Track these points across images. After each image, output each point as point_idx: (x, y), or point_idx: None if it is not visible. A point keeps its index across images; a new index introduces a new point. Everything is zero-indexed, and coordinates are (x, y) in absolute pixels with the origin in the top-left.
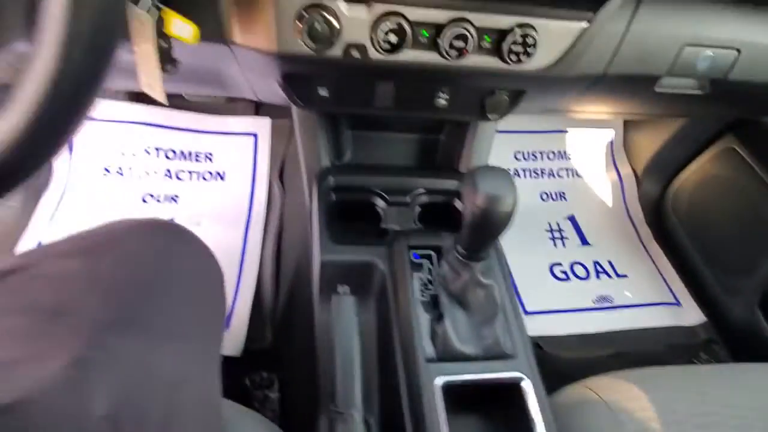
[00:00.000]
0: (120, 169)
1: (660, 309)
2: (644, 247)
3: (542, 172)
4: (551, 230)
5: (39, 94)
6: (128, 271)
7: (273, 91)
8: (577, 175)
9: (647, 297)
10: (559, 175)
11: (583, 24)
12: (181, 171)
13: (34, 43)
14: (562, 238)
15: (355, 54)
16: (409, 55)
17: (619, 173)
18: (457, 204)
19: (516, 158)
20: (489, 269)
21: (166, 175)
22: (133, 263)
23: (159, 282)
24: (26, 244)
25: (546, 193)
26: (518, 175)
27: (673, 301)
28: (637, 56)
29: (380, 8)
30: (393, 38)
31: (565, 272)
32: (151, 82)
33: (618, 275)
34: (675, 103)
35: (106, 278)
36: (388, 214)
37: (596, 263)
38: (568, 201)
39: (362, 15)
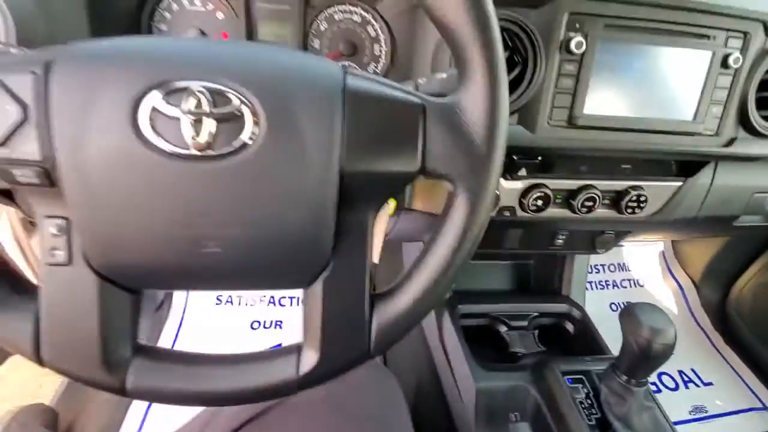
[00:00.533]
0: (230, 298)
1: (751, 415)
2: (719, 352)
3: (607, 284)
4: None
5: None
6: (359, 398)
7: (410, 237)
8: (639, 285)
9: (736, 404)
10: (622, 286)
11: (679, 183)
12: (282, 297)
13: (437, 235)
14: None
15: (506, 214)
16: (548, 213)
17: (678, 282)
18: (567, 325)
19: (586, 271)
20: (647, 392)
21: (270, 302)
22: (357, 390)
23: (377, 405)
24: None
25: (615, 304)
26: (586, 288)
27: (760, 405)
28: (720, 203)
29: (529, 182)
30: (539, 202)
31: (654, 383)
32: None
33: (704, 383)
34: (746, 230)
35: (347, 405)
36: (513, 338)
37: (681, 372)
38: None
39: (516, 186)
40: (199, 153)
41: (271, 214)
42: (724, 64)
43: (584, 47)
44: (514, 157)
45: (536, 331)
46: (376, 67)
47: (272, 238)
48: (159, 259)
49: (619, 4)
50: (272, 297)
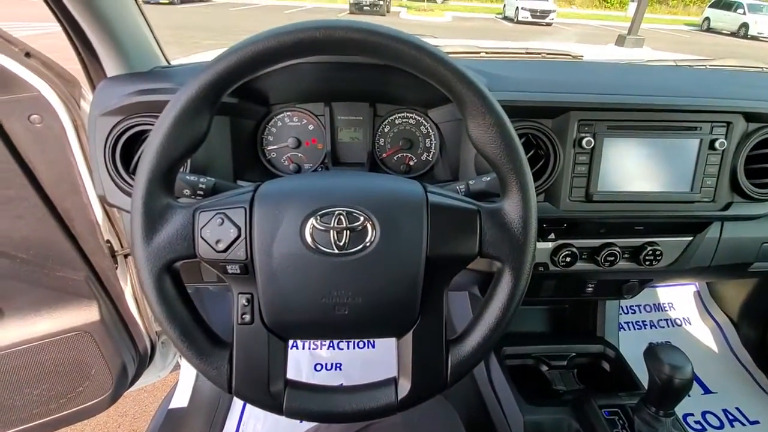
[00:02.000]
0: (295, 343)
1: None
2: (763, 389)
3: (644, 324)
4: None
5: (506, 310)
6: (428, 425)
7: (459, 287)
8: (677, 324)
9: None
10: (660, 326)
11: (690, 238)
12: (340, 342)
13: (491, 299)
14: None
15: (540, 269)
16: (576, 266)
17: (716, 321)
18: (604, 365)
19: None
20: (675, 422)
21: (330, 347)
22: (427, 418)
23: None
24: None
25: (653, 343)
26: (622, 328)
27: None
28: (731, 252)
29: (557, 243)
30: (568, 259)
31: (699, 422)
32: None
33: (750, 422)
34: (763, 275)
35: (418, 430)
36: (554, 376)
37: (725, 411)
38: None
39: (547, 246)
40: (338, 251)
41: (381, 289)
42: (712, 147)
43: (593, 144)
44: (544, 225)
45: (575, 370)
46: (428, 156)
47: (381, 304)
48: (308, 318)
49: (618, 111)
50: (331, 342)
